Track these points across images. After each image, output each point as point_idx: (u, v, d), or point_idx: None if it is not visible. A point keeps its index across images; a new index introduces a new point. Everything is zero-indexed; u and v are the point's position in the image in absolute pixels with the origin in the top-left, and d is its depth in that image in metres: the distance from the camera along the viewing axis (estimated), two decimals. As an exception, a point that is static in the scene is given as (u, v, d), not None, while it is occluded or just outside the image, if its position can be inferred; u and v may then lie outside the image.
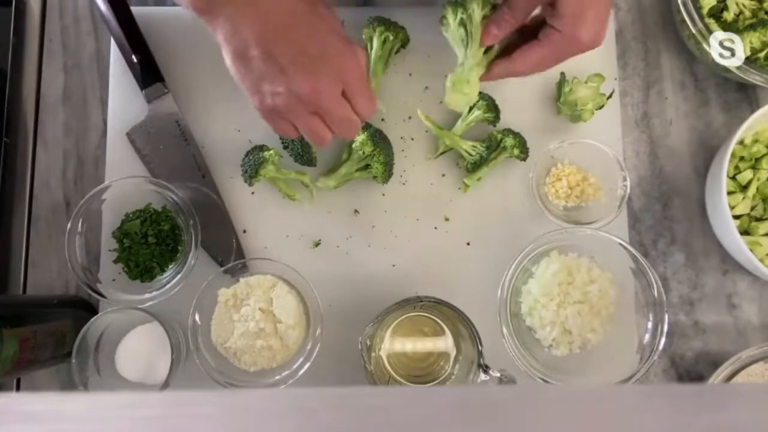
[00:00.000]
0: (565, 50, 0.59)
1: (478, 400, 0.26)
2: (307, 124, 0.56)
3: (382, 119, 0.72)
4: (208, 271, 0.68)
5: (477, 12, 0.62)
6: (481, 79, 0.63)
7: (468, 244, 0.71)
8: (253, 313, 0.63)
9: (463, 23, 0.62)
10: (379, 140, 0.68)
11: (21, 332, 0.58)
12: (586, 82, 0.71)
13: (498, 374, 0.59)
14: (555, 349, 0.66)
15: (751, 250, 0.64)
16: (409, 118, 0.73)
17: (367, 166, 0.69)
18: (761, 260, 0.64)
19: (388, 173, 0.69)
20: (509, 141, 0.69)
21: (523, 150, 0.70)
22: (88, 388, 0.63)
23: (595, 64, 0.73)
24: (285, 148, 0.70)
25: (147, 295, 0.65)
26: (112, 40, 0.73)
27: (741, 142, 0.69)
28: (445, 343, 0.64)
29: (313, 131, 0.57)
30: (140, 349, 0.66)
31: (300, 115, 0.56)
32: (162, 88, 0.72)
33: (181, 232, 0.69)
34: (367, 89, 0.57)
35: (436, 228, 0.71)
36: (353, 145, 0.68)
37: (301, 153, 0.69)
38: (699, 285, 0.71)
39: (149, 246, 0.68)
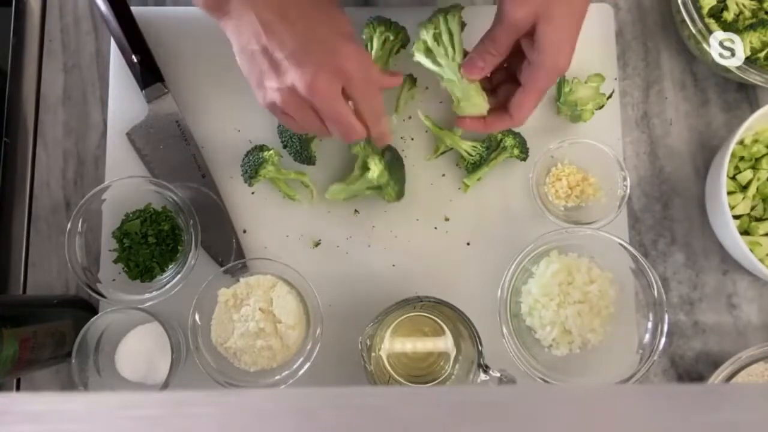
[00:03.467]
0: (548, 81, 0.59)
1: (478, 400, 0.26)
2: (305, 120, 0.55)
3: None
4: (208, 271, 0.68)
5: (453, 22, 0.63)
6: (478, 130, 0.65)
7: (468, 244, 0.71)
8: (253, 313, 0.63)
9: (438, 38, 0.63)
10: (396, 168, 0.68)
11: (21, 332, 0.58)
12: (586, 82, 0.71)
13: (498, 374, 0.59)
14: (555, 349, 0.66)
15: (751, 250, 0.64)
16: (409, 118, 0.73)
17: (379, 187, 0.69)
18: (761, 260, 0.64)
19: (400, 195, 0.69)
20: (509, 141, 0.69)
21: (523, 150, 0.70)
22: (88, 388, 0.63)
23: (595, 64, 0.73)
24: (284, 147, 0.70)
25: (147, 295, 0.65)
26: (112, 40, 0.73)
27: (741, 142, 0.69)
28: (445, 343, 0.64)
29: (312, 128, 0.56)
30: (140, 349, 0.66)
31: (298, 111, 0.55)
32: (162, 88, 0.72)
33: (181, 232, 0.69)
34: (371, 91, 0.55)
35: (436, 228, 0.71)
36: (369, 174, 0.67)
37: (300, 151, 0.69)
38: (699, 285, 0.71)
39: (149, 246, 0.68)
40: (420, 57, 0.64)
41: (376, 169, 0.67)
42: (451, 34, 0.63)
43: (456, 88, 0.63)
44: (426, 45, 0.64)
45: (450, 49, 0.63)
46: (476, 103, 0.63)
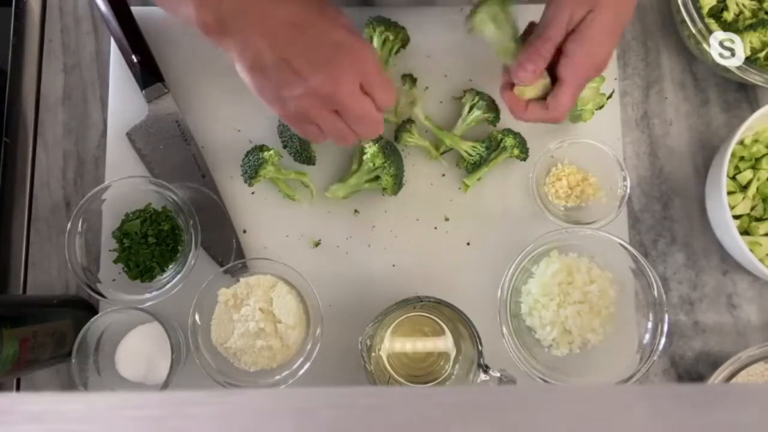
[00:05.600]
0: (586, 74, 0.59)
1: (478, 400, 0.26)
2: (331, 123, 0.56)
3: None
4: (208, 271, 0.68)
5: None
6: (517, 113, 0.63)
7: (468, 244, 0.71)
8: (253, 313, 0.63)
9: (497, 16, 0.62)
10: (390, 152, 0.68)
11: (21, 332, 0.58)
12: (586, 82, 0.71)
13: (498, 374, 0.59)
14: (555, 349, 0.66)
15: (751, 250, 0.64)
16: (409, 118, 0.73)
17: (377, 178, 0.69)
18: (761, 260, 0.64)
19: (398, 185, 0.69)
20: (509, 141, 0.69)
21: (523, 150, 0.70)
22: (88, 388, 0.63)
23: (595, 64, 0.73)
24: (284, 147, 0.70)
25: (147, 295, 0.65)
26: (112, 40, 0.73)
27: (741, 142, 0.69)
28: (445, 343, 0.64)
29: (336, 131, 0.57)
30: (140, 349, 0.66)
31: (322, 115, 0.55)
32: (162, 88, 0.72)
33: (181, 232, 0.69)
34: (384, 79, 0.56)
35: (436, 228, 0.71)
36: (364, 157, 0.68)
37: (300, 151, 0.69)
38: (699, 285, 0.71)
39: (149, 246, 0.68)
40: (484, 24, 0.62)
41: (370, 150, 0.67)
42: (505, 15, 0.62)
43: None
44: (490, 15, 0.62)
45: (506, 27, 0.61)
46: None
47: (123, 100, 0.73)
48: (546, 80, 0.61)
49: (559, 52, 0.60)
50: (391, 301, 0.63)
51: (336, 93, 0.53)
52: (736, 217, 0.67)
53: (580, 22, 0.57)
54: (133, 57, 0.71)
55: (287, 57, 0.52)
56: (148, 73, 0.72)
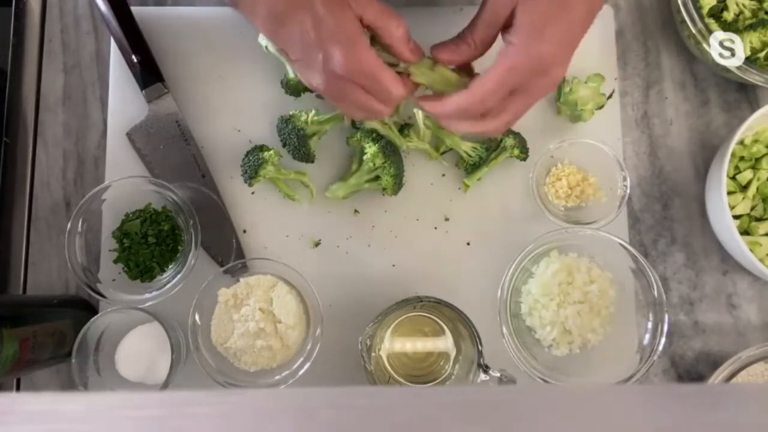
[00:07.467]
0: (523, 67, 0.53)
1: (478, 400, 0.26)
2: (353, 99, 0.56)
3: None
4: (208, 271, 0.68)
5: None
6: (434, 110, 0.58)
7: (468, 244, 0.71)
8: (253, 313, 0.63)
9: None
10: (390, 153, 0.68)
11: (21, 332, 0.58)
12: (586, 82, 0.71)
13: (498, 374, 0.59)
14: (555, 349, 0.66)
15: (751, 250, 0.64)
16: (409, 118, 0.73)
17: (377, 178, 0.69)
18: (761, 260, 0.64)
19: (398, 185, 0.69)
20: (509, 141, 0.69)
21: (523, 150, 0.70)
22: (88, 388, 0.63)
23: (595, 64, 0.73)
24: (284, 145, 0.70)
25: (147, 295, 0.65)
26: (112, 40, 0.73)
27: (741, 142, 0.69)
28: (445, 343, 0.64)
29: (362, 105, 0.56)
30: (140, 349, 0.66)
31: (342, 93, 0.56)
32: (162, 88, 0.72)
33: (181, 232, 0.69)
34: (377, 71, 0.54)
35: (436, 228, 0.71)
36: (364, 157, 0.68)
37: (298, 148, 0.69)
38: (699, 285, 0.71)
39: (149, 246, 0.68)
40: None
41: (370, 150, 0.67)
42: None
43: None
44: None
45: None
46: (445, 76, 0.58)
47: (123, 100, 0.73)
48: (448, 74, 0.58)
49: None
50: (391, 301, 0.63)
51: (330, 89, 0.54)
52: (736, 217, 0.67)
53: (514, 15, 0.52)
54: (133, 57, 0.71)
55: (282, 36, 0.53)
56: (148, 73, 0.72)
